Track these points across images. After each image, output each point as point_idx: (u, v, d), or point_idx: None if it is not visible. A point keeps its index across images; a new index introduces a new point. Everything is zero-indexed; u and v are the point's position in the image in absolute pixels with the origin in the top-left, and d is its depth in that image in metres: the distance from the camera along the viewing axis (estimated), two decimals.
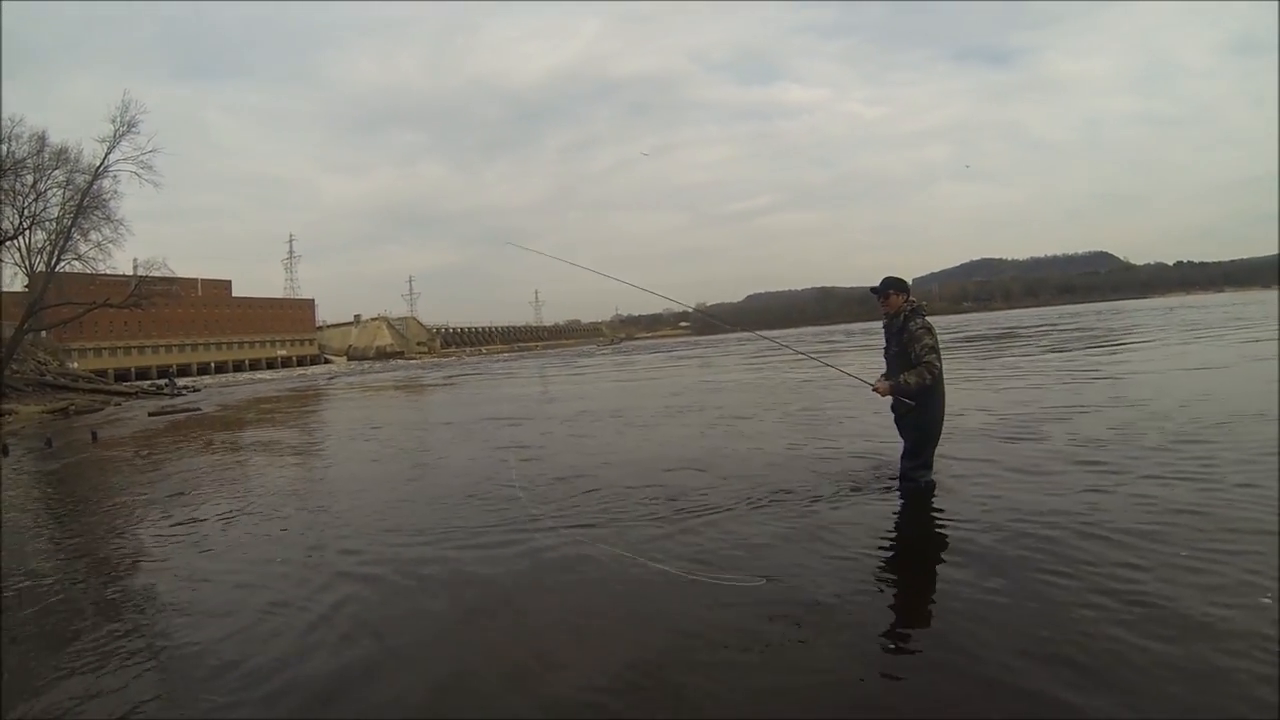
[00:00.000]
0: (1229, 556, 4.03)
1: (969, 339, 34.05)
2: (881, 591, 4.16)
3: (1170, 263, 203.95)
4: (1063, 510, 5.14)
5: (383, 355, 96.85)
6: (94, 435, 16.82)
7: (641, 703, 3.05)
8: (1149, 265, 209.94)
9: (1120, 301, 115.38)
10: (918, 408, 5.70)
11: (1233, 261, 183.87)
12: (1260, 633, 3.15)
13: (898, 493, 6.04)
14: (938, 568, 4.40)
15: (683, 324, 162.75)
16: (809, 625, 3.63)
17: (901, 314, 5.84)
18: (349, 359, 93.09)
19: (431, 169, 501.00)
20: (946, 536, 4.88)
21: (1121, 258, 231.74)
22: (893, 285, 5.94)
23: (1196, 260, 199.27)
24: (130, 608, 4.73)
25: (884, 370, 6.06)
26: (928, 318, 5.80)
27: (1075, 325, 40.99)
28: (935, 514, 5.44)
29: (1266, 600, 3.40)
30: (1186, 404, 9.10)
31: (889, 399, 5.93)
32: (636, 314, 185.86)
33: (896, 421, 6.06)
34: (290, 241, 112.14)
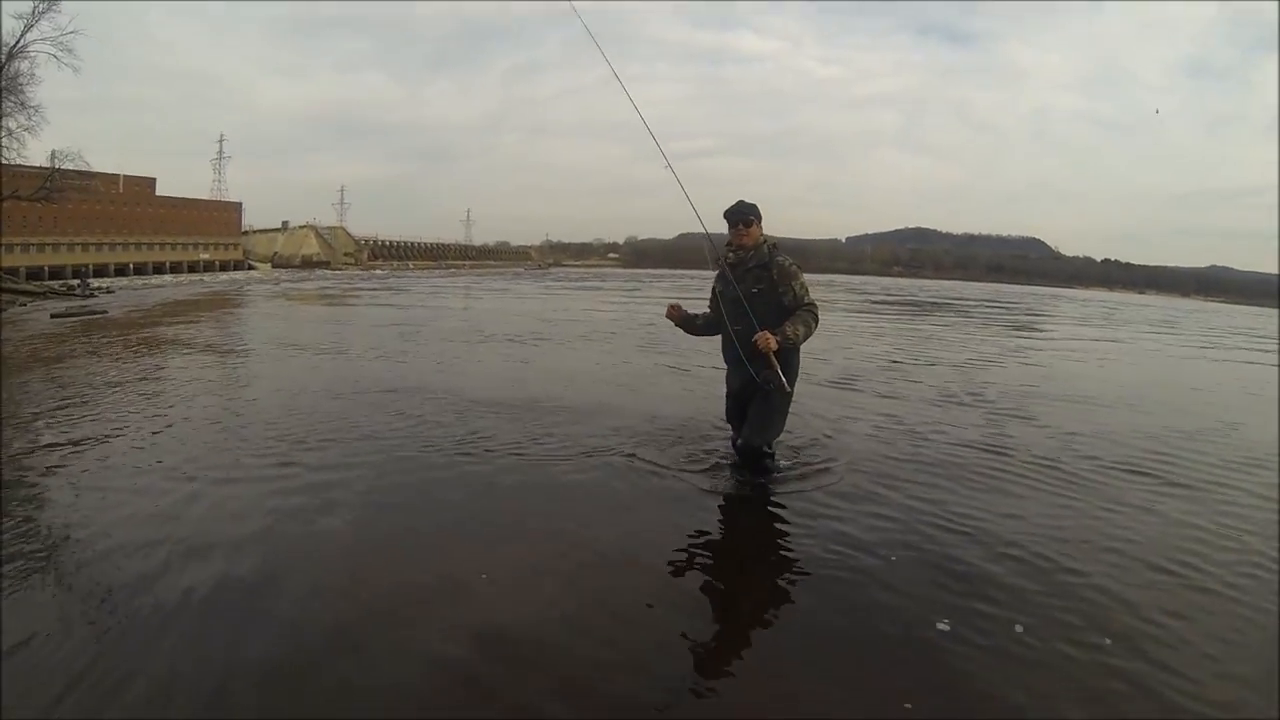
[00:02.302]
0: None
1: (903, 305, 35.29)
2: None
3: (1098, 258, 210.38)
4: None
5: (308, 264, 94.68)
6: None
7: None
8: (1078, 258, 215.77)
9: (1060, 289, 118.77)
10: (785, 366, 4.72)
11: (1157, 267, 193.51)
12: None
13: (737, 479, 5.32)
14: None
15: (612, 255, 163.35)
16: None
17: (763, 247, 4.91)
18: (274, 266, 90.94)
19: (372, 78, 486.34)
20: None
21: (1052, 246, 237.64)
22: (754, 212, 4.92)
23: (1123, 260, 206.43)
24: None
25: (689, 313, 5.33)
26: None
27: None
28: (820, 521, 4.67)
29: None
30: None
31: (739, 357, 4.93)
32: (566, 241, 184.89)
33: (740, 387, 5.09)
34: (220, 141, 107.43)
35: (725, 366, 5.29)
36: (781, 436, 5.40)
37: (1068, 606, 3.62)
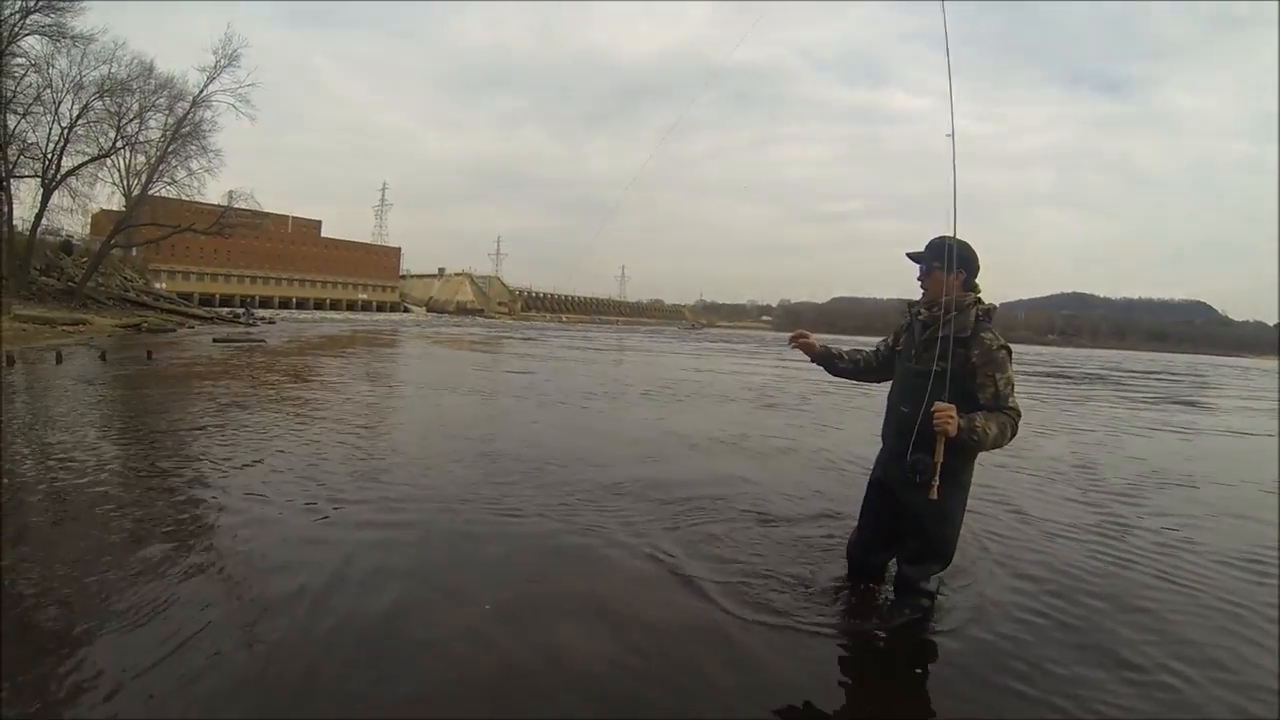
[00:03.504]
0: None
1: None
2: None
3: (1271, 322, 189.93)
4: None
5: (462, 310, 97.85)
6: (149, 354, 16.74)
7: None
8: (1248, 323, 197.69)
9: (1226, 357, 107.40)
10: (954, 477, 3.29)
11: None
12: None
13: (893, 608, 3.61)
14: None
15: (765, 318, 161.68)
16: None
17: (970, 311, 3.35)
18: (429, 310, 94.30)
19: (531, 134, 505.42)
20: None
21: (1220, 310, 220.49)
22: (938, 255, 3.37)
23: None
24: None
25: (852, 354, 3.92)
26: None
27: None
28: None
29: None
30: None
31: (893, 451, 3.47)
32: (720, 301, 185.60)
33: (891, 494, 3.55)
34: (383, 189, 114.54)
35: (879, 444, 3.77)
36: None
37: None
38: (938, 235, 3.39)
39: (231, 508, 4.89)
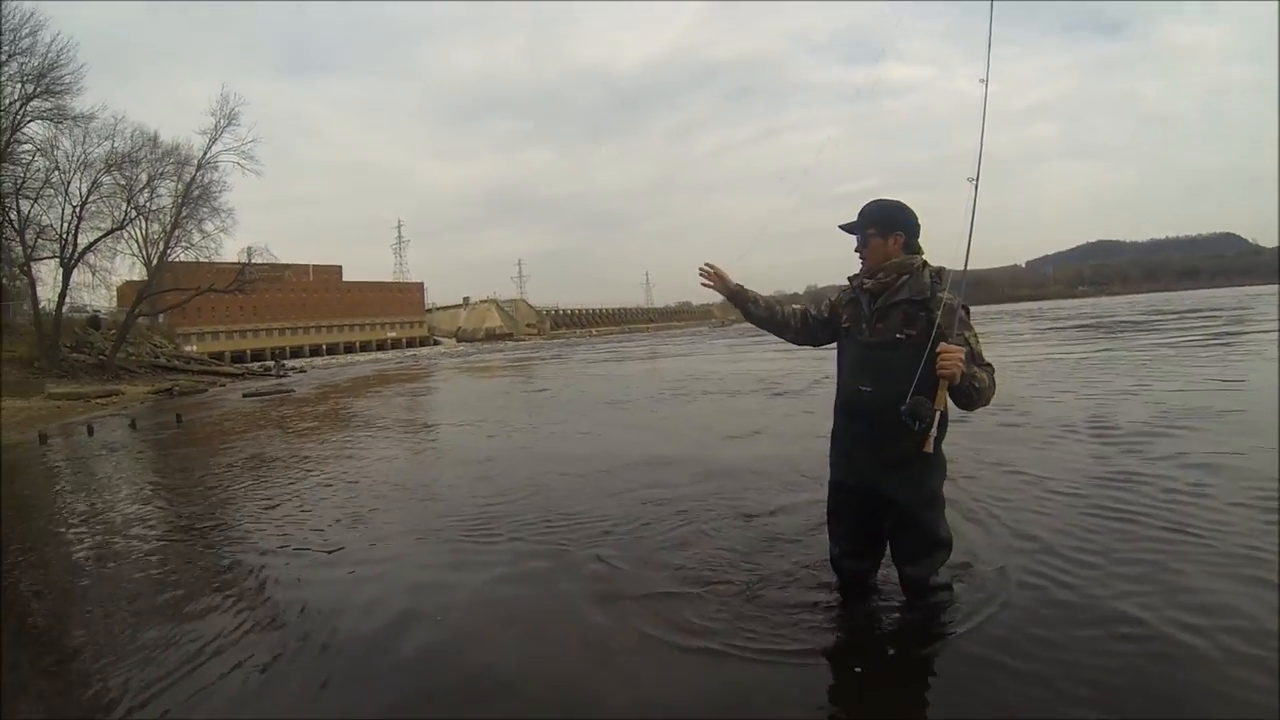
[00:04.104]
0: None
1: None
2: None
3: None
4: None
5: (492, 336, 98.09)
6: (178, 418, 16.75)
7: None
8: None
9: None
10: (936, 441, 3.04)
11: None
12: None
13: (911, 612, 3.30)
14: None
15: (794, 305, 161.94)
16: None
17: (921, 273, 3.15)
18: (458, 340, 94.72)
19: (535, 155, 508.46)
20: None
21: (1250, 240, 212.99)
22: (894, 217, 3.21)
23: None
24: None
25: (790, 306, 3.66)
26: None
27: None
28: None
29: None
30: None
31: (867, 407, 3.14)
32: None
33: (860, 492, 3.24)
34: (399, 227, 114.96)
35: (831, 444, 3.41)
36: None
37: None
38: (872, 200, 3.27)
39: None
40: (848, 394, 3.22)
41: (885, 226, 3.17)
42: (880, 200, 3.24)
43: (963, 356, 2.88)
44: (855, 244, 3.26)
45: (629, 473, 6.79)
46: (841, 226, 3.32)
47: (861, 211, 3.25)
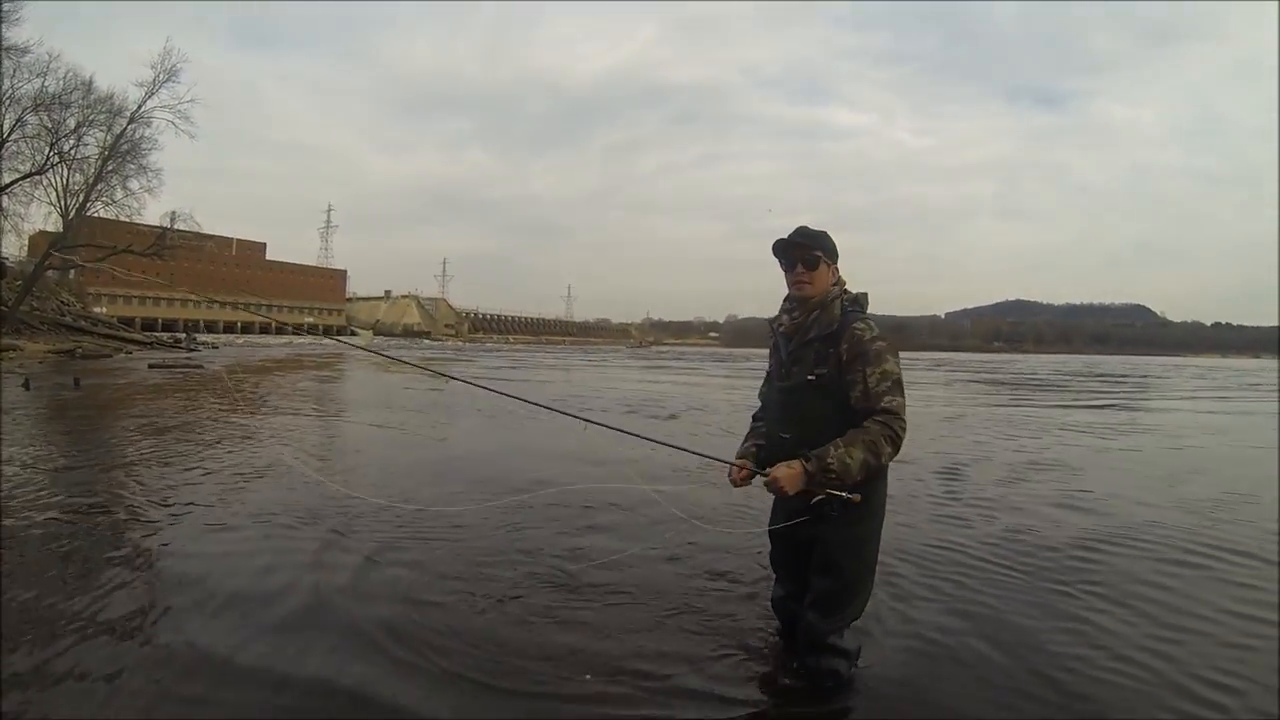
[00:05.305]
0: None
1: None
2: None
3: (1208, 323, 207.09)
4: None
5: (410, 333, 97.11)
6: (76, 381, 16.48)
7: None
8: (1186, 323, 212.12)
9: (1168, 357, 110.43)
10: (860, 503, 2.72)
11: (1272, 327, 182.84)
12: None
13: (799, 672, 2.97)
14: None
15: (712, 334, 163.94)
16: None
17: (833, 305, 2.88)
18: (375, 334, 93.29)
19: (476, 156, 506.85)
20: None
21: (1158, 313, 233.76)
22: (820, 242, 2.90)
23: (1235, 323, 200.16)
24: None
25: (755, 418, 3.28)
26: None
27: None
28: None
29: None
30: None
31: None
32: (668, 319, 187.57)
33: (782, 530, 2.96)
34: (328, 211, 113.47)
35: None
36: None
37: None
38: (798, 227, 2.96)
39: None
40: (773, 442, 2.96)
41: (831, 253, 2.92)
42: (810, 227, 2.96)
43: (786, 477, 2.67)
44: (796, 274, 2.92)
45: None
46: (777, 253, 2.96)
47: (801, 235, 2.93)
